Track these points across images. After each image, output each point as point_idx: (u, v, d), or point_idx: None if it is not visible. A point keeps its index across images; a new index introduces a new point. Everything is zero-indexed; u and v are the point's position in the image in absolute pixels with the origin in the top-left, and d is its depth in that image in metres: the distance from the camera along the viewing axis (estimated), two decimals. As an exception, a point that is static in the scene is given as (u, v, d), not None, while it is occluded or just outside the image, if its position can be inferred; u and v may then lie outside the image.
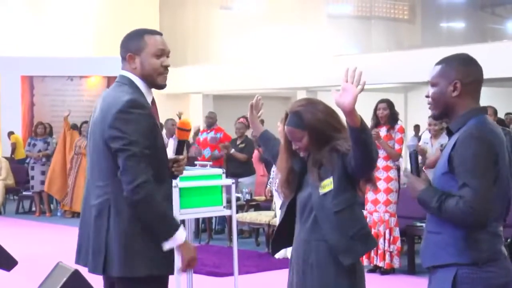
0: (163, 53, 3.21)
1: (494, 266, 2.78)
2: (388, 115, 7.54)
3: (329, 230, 3.34)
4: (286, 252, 8.63)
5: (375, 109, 7.62)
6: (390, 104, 7.62)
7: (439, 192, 2.81)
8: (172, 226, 3.10)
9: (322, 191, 3.34)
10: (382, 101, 7.67)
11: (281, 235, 3.61)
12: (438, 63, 2.95)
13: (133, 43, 3.21)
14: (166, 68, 3.22)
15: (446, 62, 2.92)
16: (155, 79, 3.22)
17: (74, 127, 13.15)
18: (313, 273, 3.39)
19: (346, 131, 3.18)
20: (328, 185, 3.34)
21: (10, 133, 16.93)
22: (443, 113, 2.92)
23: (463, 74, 2.88)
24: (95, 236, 3.14)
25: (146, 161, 3.05)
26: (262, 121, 4.03)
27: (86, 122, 11.75)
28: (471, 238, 2.77)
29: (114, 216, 3.09)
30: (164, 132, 10.85)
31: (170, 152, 9.74)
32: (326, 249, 3.36)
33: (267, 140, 3.87)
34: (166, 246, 3.09)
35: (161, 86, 3.25)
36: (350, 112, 2.96)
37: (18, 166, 14.92)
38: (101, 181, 3.14)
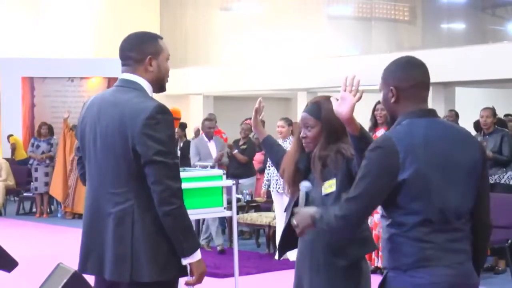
0: (169, 58, 3.28)
1: (421, 272, 2.70)
2: (386, 116, 7.53)
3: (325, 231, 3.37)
4: (286, 253, 8.63)
5: (374, 110, 7.62)
6: None
7: (323, 207, 2.92)
8: (195, 243, 3.12)
9: (324, 191, 3.36)
10: (380, 102, 7.66)
11: (287, 238, 3.61)
12: (384, 69, 2.92)
13: (151, 46, 3.20)
14: None
15: (387, 67, 2.89)
16: (164, 83, 3.27)
17: (74, 128, 13.14)
18: (320, 273, 3.40)
19: None
20: (330, 186, 3.36)
21: (9, 136, 16.92)
22: (391, 118, 2.89)
23: (400, 79, 2.81)
24: (118, 243, 3.09)
25: (177, 171, 3.08)
26: (263, 122, 4.04)
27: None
28: (394, 243, 2.75)
29: (139, 222, 3.06)
30: (197, 139, 10.47)
31: (214, 155, 9.70)
32: (333, 249, 3.38)
33: (270, 145, 3.89)
34: (185, 261, 3.10)
35: (164, 90, 3.29)
36: (348, 121, 2.98)
37: (18, 167, 14.92)
38: (120, 187, 3.09)
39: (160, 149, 3.01)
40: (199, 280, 3.16)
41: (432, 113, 2.85)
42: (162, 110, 3.07)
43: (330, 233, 2.96)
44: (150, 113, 3.03)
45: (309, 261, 3.46)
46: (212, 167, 9.03)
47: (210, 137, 9.85)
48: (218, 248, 9.22)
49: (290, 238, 3.59)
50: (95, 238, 3.18)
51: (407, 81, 2.81)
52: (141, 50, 3.19)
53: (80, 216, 12.43)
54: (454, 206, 2.75)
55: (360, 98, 2.96)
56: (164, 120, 3.05)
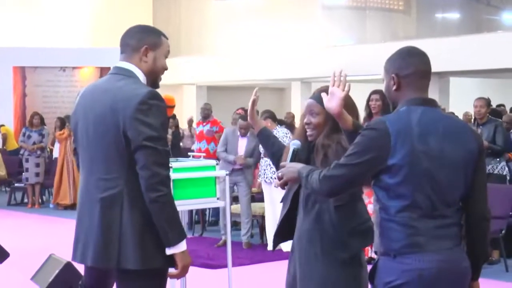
0: (167, 56, 3.30)
1: (409, 258, 2.75)
2: (380, 106, 7.54)
3: (327, 222, 3.39)
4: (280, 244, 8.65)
5: (368, 100, 7.62)
6: (383, 95, 7.62)
7: (315, 168, 3.02)
8: (181, 233, 3.11)
9: None
10: (375, 92, 7.66)
11: (283, 229, 3.63)
12: (386, 59, 3.00)
13: (151, 38, 3.24)
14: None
15: (388, 58, 2.97)
16: (158, 78, 3.29)
17: (67, 119, 13.11)
18: (318, 262, 3.41)
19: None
20: None
21: (0, 126, 16.87)
22: (393, 106, 2.97)
23: (400, 67, 2.90)
24: (105, 229, 3.09)
25: (167, 158, 3.08)
26: (256, 112, 4.04)
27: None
28: (383, 227, 2.81)
29: (128, 209, 3.07)
30: (232, 129, 9.56)
31: (241, 151, 9.27)
32: (331, 238, 3.40)
33: (266, 137, 3.89)
34: (169, 251, 3.08)
35: (158, 86, 3.29)
36: (339, 116, 3.07)
37: (9, 158, 14.88)
38: (110, 173, 3.10)
39: (150, 134, 3.02)
40: (182, 273, 3.13)
41: (431, 102, 2.91)
42: (155, 96, 3.08)
43: (311, 191, 3.05)
44: (142, 98, 3.04)
45: (305, 251, 3.47)
46: (232, 163, 8.92)
47: (243, 135, 9.20)
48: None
49: (286, 229, 3.60)
50: (84, 224, 3.19)
51: (407, 68, 2.89)
52: (139, 38, 3.22)
53: (71, 206, 12.44)
54: (443, 194, 2.80)
55: (348, 92, 3.06)
56: (156, 106, 3.06)
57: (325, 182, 2.87)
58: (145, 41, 3.21)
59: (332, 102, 3.05)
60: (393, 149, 2.75)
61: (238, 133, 9.18)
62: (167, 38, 3.30)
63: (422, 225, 2.76)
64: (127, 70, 3.20)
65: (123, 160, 3.08)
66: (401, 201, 2.77)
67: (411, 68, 2.89)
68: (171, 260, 3.12)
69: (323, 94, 3.12)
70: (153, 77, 3.26)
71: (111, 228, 3.08)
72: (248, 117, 3.92)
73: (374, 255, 7.52)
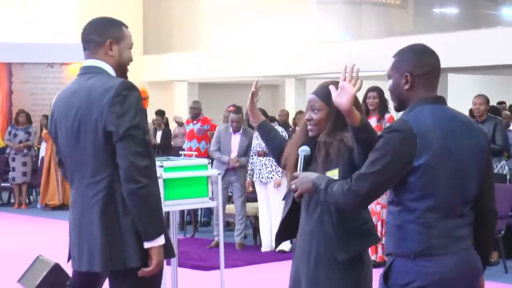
0: (132, 47, 3.33)
1: (429, 261, 2.77)
2: (378, 103, 7.54)
3: (328, 223, 3.40)
4: (272, 244, 8.66)
5: (365, 97, 7.63)
6: (380, 92, 7.62)
7: (330, 178, 3.00)
8: (162, 226, 3.10)
9: None
10: (372, 89, 7.66)
11: (285, 227, 3.63)
12: (393, 56, 2.98)
13: (113, 31, 3.26)
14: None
15: (399, 54, 2.96)
16: (125, 70, 3.30)
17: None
18: (320, 265, 3.43)
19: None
20: (332, 176, 3.37)
21: (-15, 124, 16.82)
22: (400, 105, 2.96)
23: (415, 66, 2.89)
24: (107, 232, 3.08)
25: (146, 147, 3.06)
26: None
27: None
28: (403, 229, 2.81)
29: (122, 207, 3.07)
30: (224, 126, 9.56)
31: (235, 149, 9.15)
32: (331, 239, 3.41)
33: (267, 131, 3.88)
34: (147, 244, 3.06)
35: (127, 78, 3.29)
36: (348, 112, 2.99)
37: (-5, 157, 14.84)
38: (99, 175, 3.10)
39: (128, 125, 3.03)
40: (155, 269, 3.09)
41: (442, 99, 2.95)
42: (127, 86, 3.10)
43: (334, 204, 3.02)
44: (116, 91, 3.06)
45: (307, 252, 3.49)
46: (226, 163, 8.88)
47: (236, 130, 9.17)
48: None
49: (289, 227, 3.60)
50: (85, 231, 3.17)
51: (423, 67, 2.90)
52: (102, 33, 3.24)
53: (60, 207, 12.42)
54: (462, 192, 2.84)
55: (360, 88, 2.99)
56: (130, 96, 3.07)
57: (352, 196, 2.84)
58: (108, 35, 3.24)
59: (342, 97, 2.98)
60: (419, 149, 2.76)
61: (231, 130, 9.16)
62: (126, 27, 3.31)
63: (443, 225, 2.80)
64: (95, 67, 3.22)
65: (108, 158, 3.08)
66: (426, 201, 2.79)
67: (426, 67, 2.90)
68: (166, 254, 3.12)
69: (332, 87, 3.06)
70: (121, 69, 3.28)
71: (112, 230, 3.08)
72: (248, 110, 3.92)
73: (371, 256, 7.53)
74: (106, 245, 3.08)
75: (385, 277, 2.87)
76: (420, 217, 2.79)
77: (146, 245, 3.05)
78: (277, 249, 8.49)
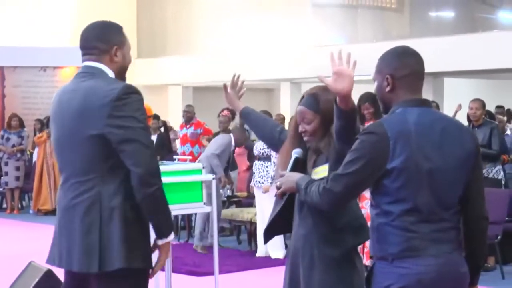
0: (130, 48, 3.39)
1: (407, 262, 2.77)
2: (373, 112, 7.54)
3: (318, 219, 3.41)
4: (267, 250, 8.65)
5: (358, 106, 7.63)
6: (372, 100, 7.61)
7: (312, 179, 3.03)
8: (172, 224, 3.27)
9: (315, 177, 3.38)
10: (363, 100, 7.61)
11: (275, 223, 3.63)
12: (378, 58, 2.98)
13: (117, 36, 3.29)
14: None
15: (382, 56, 2.96)
16: (125, 74, 3.34)
17: (47, 120, 13.07)
18: (315, 266, 3.44)
19: None
20: (322, 172, 3.38)
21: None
22: (385, 107, 2.97)
23: (395, 68, 2.89)
24: (86, 233, 3.11)
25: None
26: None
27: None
28: (380, 232, 2.83)
29: (107, 209, 3.10)
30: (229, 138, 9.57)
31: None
32: (324, 236, 3.42)
33: (247, 115, 3.89)
34: (161, 241, 3.19)
35: (125, 80, 3.35)
36: (348, 96, 3.01)
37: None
38: (87, 175, 3.13)
39: (136, 128, 3.06)
40: (163, 264, 3.24)
41: (426, 102, 2.93)
42: (130, 90, 3.12)
43: (311, 204, 3.05)
44: (118, 94, 3.08)
45: (302, 256, 3.50)
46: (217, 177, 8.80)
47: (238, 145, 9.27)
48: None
49: (279, 223, 3.61)
50: (64, 230, 3.20)
51: (403, 69, 2.89)
52: (107, 40, 3.26)
53: (52, 212, 12.40)
54: (442, 196, 2.83)
55: (354, 68, 3.00)
56: (133, 100, 3.10)
57: (326, 195, 2.87)
58: (113, 41, 3.27)
59: (341, 83, 2.97)
60: (392, 153, 2.76)
61: (233, 142, 9.23)
62: (123, 28, 3.36)
63: (421, 229, 2.79)
64: (96, 68, 3.24)
65: (99, 160, 3.11)
66: (401, 205, 2.79)
67: (407, 69, 2.89)
68: (149, 261, 3.20)
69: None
70: (122, 73, 3.31)
71: (93, 232, 3.10)
72: (227, 102, 3.94)
73: (365, 262, 7.54)
74: (85, 245, 3.11)
75: (368, 281, 2.91)
76: (396, 220, 2.79)
77: (161, 242, 3.18)
78: (272, 257, 8.49)
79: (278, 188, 3.20)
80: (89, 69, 3.25)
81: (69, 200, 3.18)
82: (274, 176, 8.17)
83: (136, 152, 3.06)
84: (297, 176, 3.12)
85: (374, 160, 2.78)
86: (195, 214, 10.22)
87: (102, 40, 3.25)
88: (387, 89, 2.90)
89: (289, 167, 3.38)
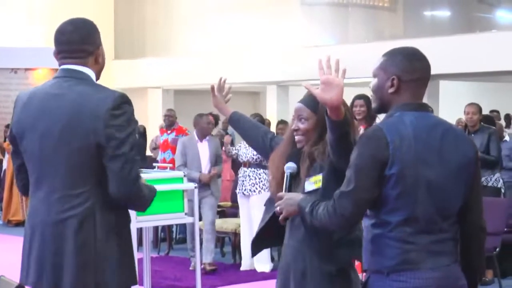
0: None
1: (405, 276, 2.78)
2: (365, 112, 7.58)
3: (313, 237, 3.40)
4: (253, 262, 8.64)
5: (351, 106, 7.66)
6: (367, 101, 7.66)
7: (315, 200, 3.01)
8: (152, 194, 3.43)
9: (308, 188, 3.39)
10: (359, 97, 7.70)
11: (264, 234, 3.64)
12: (383, 55, 2.98)
13: (98, 36, 3.30)
14: None
15: (389, 54, 2.95)
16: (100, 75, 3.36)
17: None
18: (307, 280, 3.45)
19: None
20: (316, 182, 3.39)
21: None
22: (380, 107, 2.96)
23: (404, 70, 2.89)
24: (80, 249, 3.10)
25: (138, 165, 3.20)
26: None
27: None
28: (376, 244, 2.84)
29: (100, 223, 3.11)
30: (187, 137, 9.50)
31: (205, 159, 8.87)
32: (317, 251, 3.43)
33: (237, 122, 3.92)
34: None
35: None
36: (339, 106, 3.00)
37: (-45, 169, 14.73)
38: (80, 188, 3.12)
39: (125, 142, 3.09)
40: None
41: (424, 107, 2.94)
42: (126, 99, 3.14)
43: (319, 226, 3.03)
44: (114, 103, 3.08)
45: (293, 269, 3.51)
46: (197, 180, 8.67)
47: (202, 137, 9.00)
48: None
49: (269, 234, 3.62)
50: (51, 246, 3.15)
51: (412, 73, 2.90)
52: (93, 41, 3.26)
53: (23, 223, 12.33)
54: (441, 206, 2.83)
55: (344, 76, 2.97)
56: (129, 110, 3.13)
57: (336, 217, 2.87)
58: (98, 42, 3.29)
59: (330, 93, 2.96)
60: (391, 158, 2.77)
61: (196, 138, 8.99)
62: None
63: (419, 240, 2.80)
64: (80, 73, 3.21)
65: (92, 171, 3.11)
66: (399, 215, 2.79)
67: (416, 74, 2.91)
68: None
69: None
70: (99, 74, 3.33)
71: (86, 248, 3.10)
72: (214, 106, 3.96)
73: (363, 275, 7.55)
74: (79, 263, 3.09)
75: None
76: (393, 230, 2.80)
77: None
78: (258, 270, 8.48)
79: (279, 213, 3.20)
80: (72, 73, 3.21)
81: (56, 214, 3.13)
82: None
83: (127, 161, 3.10)
84: (297, 197, 3.13)
85: (375, 166, 2.78)
86: (177, 225, 10.21)
87: (89, 42, 3.24)
88: (391, 90, 2.90)
89: (285, 187, 3.39)
